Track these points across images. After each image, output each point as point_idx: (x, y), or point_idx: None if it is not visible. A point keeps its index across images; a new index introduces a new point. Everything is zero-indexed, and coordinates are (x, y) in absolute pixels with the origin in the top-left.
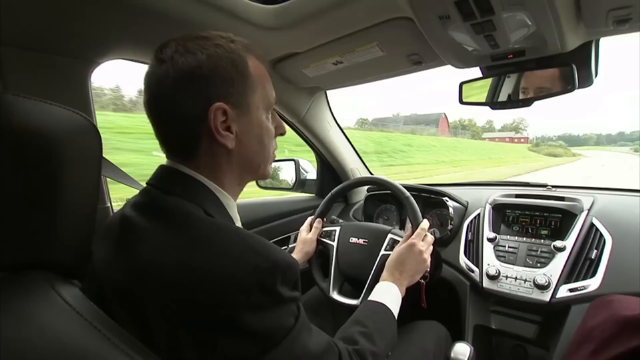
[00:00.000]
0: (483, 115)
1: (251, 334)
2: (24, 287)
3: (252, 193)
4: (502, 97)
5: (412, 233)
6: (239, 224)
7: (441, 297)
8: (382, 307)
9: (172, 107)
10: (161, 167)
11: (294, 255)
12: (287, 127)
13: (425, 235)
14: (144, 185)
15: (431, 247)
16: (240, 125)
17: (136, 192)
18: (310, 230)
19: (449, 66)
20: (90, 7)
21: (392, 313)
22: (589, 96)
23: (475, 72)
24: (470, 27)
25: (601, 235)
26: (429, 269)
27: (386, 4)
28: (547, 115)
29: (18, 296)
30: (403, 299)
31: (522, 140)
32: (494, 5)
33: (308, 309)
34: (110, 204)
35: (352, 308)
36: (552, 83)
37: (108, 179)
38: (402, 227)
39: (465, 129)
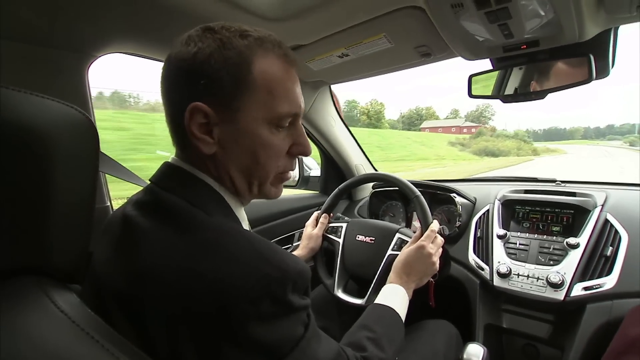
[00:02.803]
0: (449, 104)
1: (259, 345)
2: (14, 294)
3: None
4: (510, 89)
5: (422, 234)
6: (246, 225)
7: (450, 295)
8: (390, 311)
9: (168, 96)
10: (164, 164)
11: (299, 250)
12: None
13: (435, 237)
14: (147, 182)
15: (440, 250)
16: (224, 132)
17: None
18: (316, 226)
19: (453, 60)
20: None
21: (400, 317)
22: (583, 89)
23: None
24: (484, 15)
25: (616, 231)
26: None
27: None
28: (537, 108)
29: (8, 304)
30: (411, 299)
31: (473, 130)
32: None
33: (314, 309)
34: (110, 203)
35: (357, 307)
36: (566, 74)
37: (108, 177)
38: (409, 225)
39: (422, 118)
